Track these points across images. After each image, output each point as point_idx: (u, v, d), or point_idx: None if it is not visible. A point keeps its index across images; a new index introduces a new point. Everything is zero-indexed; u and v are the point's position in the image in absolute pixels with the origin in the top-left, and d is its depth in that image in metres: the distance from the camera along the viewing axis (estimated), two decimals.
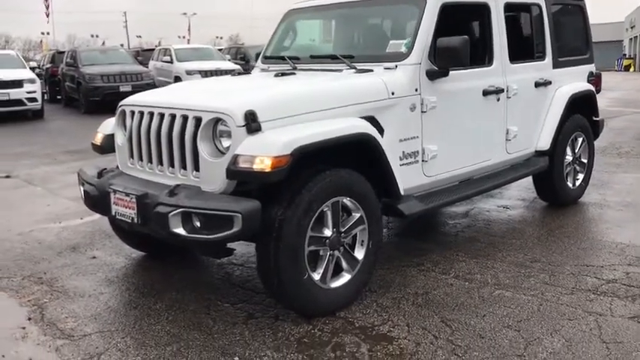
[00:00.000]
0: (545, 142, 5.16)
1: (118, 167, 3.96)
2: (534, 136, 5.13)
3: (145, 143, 3.65)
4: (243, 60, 20.33)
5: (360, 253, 3.58)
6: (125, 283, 4.05)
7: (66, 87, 17.66)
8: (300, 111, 3.40)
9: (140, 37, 71.89)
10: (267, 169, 3.05)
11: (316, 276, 3.37)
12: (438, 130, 4.10)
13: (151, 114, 3.61)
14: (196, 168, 3.36)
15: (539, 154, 5.18)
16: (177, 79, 17.05)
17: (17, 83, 14.31)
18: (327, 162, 3.40)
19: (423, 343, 3.12)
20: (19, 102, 14.34)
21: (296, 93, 3.61)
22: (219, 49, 22.50)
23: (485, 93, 4.49)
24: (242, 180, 3.26)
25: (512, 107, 4.76)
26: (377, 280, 3.87)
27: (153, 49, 22.37)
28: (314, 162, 3.33)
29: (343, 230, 3.47)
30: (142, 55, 21.15)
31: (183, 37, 64.88)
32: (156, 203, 3.24)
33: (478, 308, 3.51)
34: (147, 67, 17.79)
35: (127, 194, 3.43)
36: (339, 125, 3.41)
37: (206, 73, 16.28)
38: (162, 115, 3.54)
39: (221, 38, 76.55)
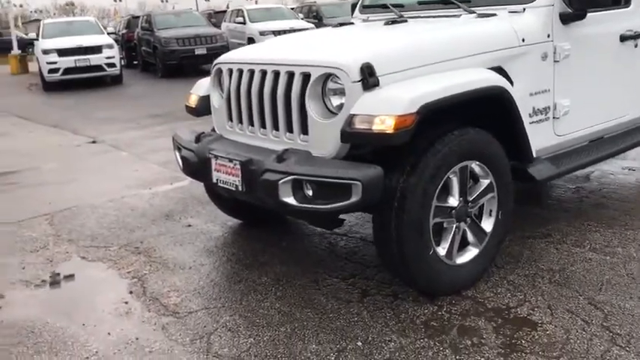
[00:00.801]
0: None
1: (214, 130, 3.68)
2: None
3: (245, 104, 3.32)
4: (316, 18, 19.79)
5: (488, 225, 3.16)
6: (225, 254, 3.81)
7: (142, 52, 17.76)
8: (420, 63, 2.96)
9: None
10: (390, 131, 2.65)
11: (442, 251, 2.98)
12: (571, 82, 3.56)
13: (252, 72, 3.27)
14: (304, 131, 3.01)
15: None
16: (251, 40, 16.77)
17: (97, 49, 14.50)
18: (448, 121, 2.98)
19: (572, 329, 2.69)
20: (98, 67, 14.54)
21: (415, 42, 3.15)
22: (291, 9, 22.00)
23: (623, 38, 3.88)
24: (358, 143, 2.88)
25: None
26: (501, 254, 3.43)
27: (225, 11, 22.16)
28: (436, 121, 2.90)
29: (471, 199, 3.06)
30: (215, 17, 21.00)
31: None
32: (263, 170, 2.92)
33: (629, 288, 3.03)
34: (220, 29, 17.60)
35: (230, 160, 3.13)
36: (468, 78, 2.95)
37: (279, 33, 15.87)
38: (264, 73, 3.19)
39: None
